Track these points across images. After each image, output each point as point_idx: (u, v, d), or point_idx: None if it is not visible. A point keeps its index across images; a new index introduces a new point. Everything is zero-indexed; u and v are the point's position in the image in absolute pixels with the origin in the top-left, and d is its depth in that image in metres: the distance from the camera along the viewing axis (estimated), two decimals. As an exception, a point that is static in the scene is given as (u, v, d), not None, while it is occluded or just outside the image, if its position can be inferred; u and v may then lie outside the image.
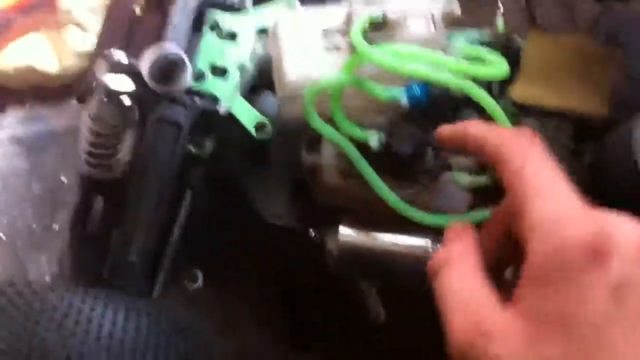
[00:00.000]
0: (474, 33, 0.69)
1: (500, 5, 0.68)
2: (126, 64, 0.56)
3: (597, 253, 0.35)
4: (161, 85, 0.58)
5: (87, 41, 0.77)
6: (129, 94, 0.57)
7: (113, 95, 0.56)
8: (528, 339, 0.35)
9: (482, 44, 0.67)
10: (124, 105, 0.57)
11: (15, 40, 0.76)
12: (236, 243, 0.76)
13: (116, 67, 0.56)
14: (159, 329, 0.52)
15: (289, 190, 0.69)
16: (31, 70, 0.76)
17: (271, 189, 0.69)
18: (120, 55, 0.56)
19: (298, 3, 0.66)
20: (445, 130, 0.48)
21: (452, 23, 0.60)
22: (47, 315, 0.49)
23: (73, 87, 0.78)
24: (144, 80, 0.57)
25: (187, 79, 0.59)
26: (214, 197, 0.74)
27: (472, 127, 0.46)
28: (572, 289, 0.35)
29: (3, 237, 0.71)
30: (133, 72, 0.57)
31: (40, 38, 0.77)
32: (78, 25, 0.77)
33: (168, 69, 0.58)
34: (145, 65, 0.58)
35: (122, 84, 0.56)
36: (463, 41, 0.67)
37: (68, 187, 0.74)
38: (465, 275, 0.42)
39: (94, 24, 0.77)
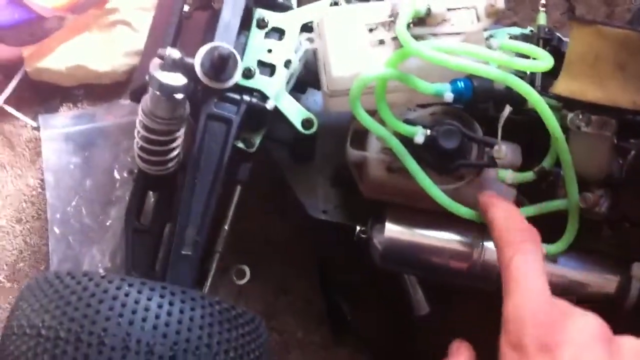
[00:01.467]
0: (516, 29, 0.70)
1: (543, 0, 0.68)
2: (179, 60, 0.58)
3: (548, 346, 0.44)
4: (213, 81, 0.60)
5: (137, 40, 0.79)
6: (182, 90, 0.58)
7: (166, 91, 0.57)
8: None
9: (525, 39, 0.67)
10: (177, 101, 0.59)
11: (67, 40, 0.79)
12: (281, 238, 0.78)
13: (169, 64, 0.58)
14: (213, 320, 0.53)
15: (333, 185, 0.70)
16: (82, 69, 0.79)
17: (316, 185, 0.70)
18: (173, 52, 0.57)
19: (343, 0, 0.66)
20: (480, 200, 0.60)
21: (495, 16, 0.60)
22: (106, 305, 0.51)
23: (125, 85, 0.80)
24: (196, 77, 0.59)
25: (238, 74, 0.61)
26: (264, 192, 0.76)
27: (490, 211, 0.57)
28: None
29: (57, 232, 0.74)
30: (185, 69, 0.58)
31: (91, 37, 0.80)
32: (127, 24, 0.79)
33: (219, 64, 0.60)
34: (197, 61, 0.60)
35: (175, 80, 0.58)
36: (506, 36, 0.68)
37: (120, 183, 0.76)
38: None
39: (143, 23, 0.79)
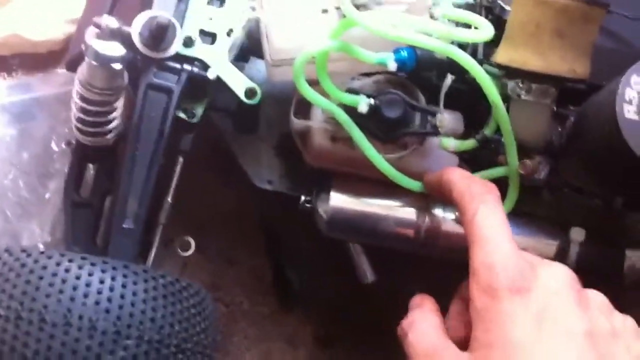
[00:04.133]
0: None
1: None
2: (116, 29, 0.56)
3: (519, 288, 0.46)
4: (151, 50, 0.58)
5: (73, 7, 0.76)
6: (120, 60, 0.57)
7: (103, 61, 0.56)
8: None
9: (469, 7, 0.67)
10: (115, 71, 0.57)
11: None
12: (226, 209, 0.77)
13: (106, 33, 0.56)
14: (156, 294, 0.53)
15: (278, 154, 0.70)
16: (16, 38, 0.76)
17: (261, 154, 0.70)
18: (110, 21, 0.56)
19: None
20: (428, 177, 0.61)
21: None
22: (46, 281, 0.50)
23: (63, 55, 0.78)
24: (135, 46, 0.58)
25: (178, 44, 0.59)
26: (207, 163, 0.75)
27: (446, 174, 0.57)
28: (502, 319, 0.45)
29: (-6, 206, 0.72)
30: (123, 38, 0.57)
31: (25, 4, 0.76)
32: (63, -9, 0.77)
33: (158, 34, 0.58)
34: (135, 30, 0.58)
35: (112, 49, 0.56)
36: (449, 4, 0.68)
37: (58, 155, 0.74)
38: (427, 333, 0.51)
39: (79, -9, 0.76)
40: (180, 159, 0.65)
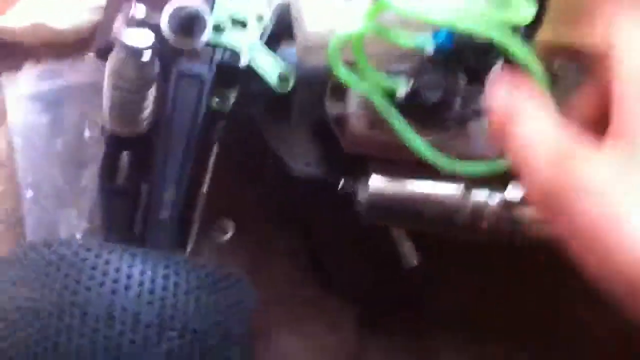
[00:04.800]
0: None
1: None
2: (145, 18, 0.55)
3: None
4: (181, 40, 0.57)
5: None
6: (149, 49, 0.56)
7: (132, 52, 0.55)
8: (618, 169, 0.35)
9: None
10: (144, 62, 0.56)
11: (23, -2, 0.75)
12: (264, 194, 0.77)
13: (135, 22, 0.55)
14: (199, 284, 0.53)
15: (313, 140, 0.69)
16: (43, 27, 0.75)
17: (297, 140, 0.68)
18: (137, 11, 0.55)
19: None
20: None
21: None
22: (87, 274, 0.50)
23: (90, 42, 0.77)
24: (164, 36, 0.57)
25: (208, 32, 0.58)
26: (241, 150, 0.74)
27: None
28: None
29: (30, 195, 0.72)
30: (152, 26, 0.56)
31: (47, -7, 0.76)
32: (85, -22, 0.76)
33: (187, 22, 0.57)
34: (164, 19, 0.57)
35: (141, 38, 0.55)
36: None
37: (92, 143, 0.74)
38: (545, 126, 0.39)
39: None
40: (215, 149, 0.64)
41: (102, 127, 0.71)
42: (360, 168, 0.66)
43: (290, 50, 0.67)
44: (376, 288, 0.75)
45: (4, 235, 0.73)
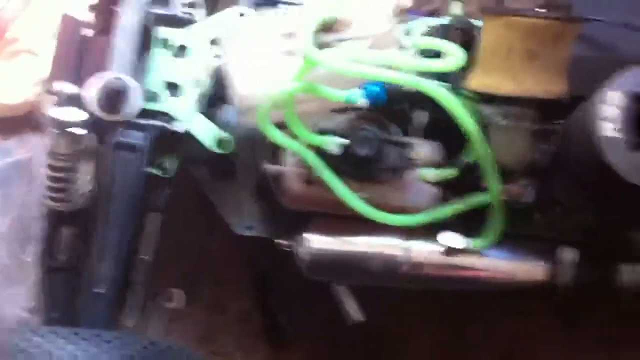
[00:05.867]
0: (435, 20, 0.68)
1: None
2: (74, 96, 0.55)
3: None
4: (110, 114, 0.57)
5: (44, 67, 0.76)
6: (82, 124, 0.56)
7: (64, 128, 0.55)
8: None
9: (444, 29, 0.66)
10: (78, 136, 0.56)
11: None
12: (211, 256, 0.76)
13: (64, 99, 0.55)
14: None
15: (258, 199, 0.68)
16: (-6, 104, 0.75)
17: (241, 200, 0.68)
18: (66, 87, 0.55)
19: (251, 9, 0.64)
20: None
21: (403, 14, 0.59)
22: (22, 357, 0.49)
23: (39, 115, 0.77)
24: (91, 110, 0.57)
25: (136, 103, 0.58)
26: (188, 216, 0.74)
27: None
28: None
29: (-23, 274, 0.71)
30: (82, 103, 0.56)
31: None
32: (31, 52, 0.76)
33: (115, 97, 0.57)
34: (89, 95, 0.57)
35: (72, 115, 0.55)
36: (424, 28, 0.66)
37: (37, 219, 0.73)
38: None
39: (48, 49, 0.75)
40: (158, 215, 0.64)
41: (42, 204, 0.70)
42: (301, 225, 0.65)
43: (232, 111, 0.68)
44: (327, 343, 0.75)
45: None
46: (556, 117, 0.62)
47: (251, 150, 0.66)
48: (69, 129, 0.55)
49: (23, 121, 0.77)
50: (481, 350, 0.76)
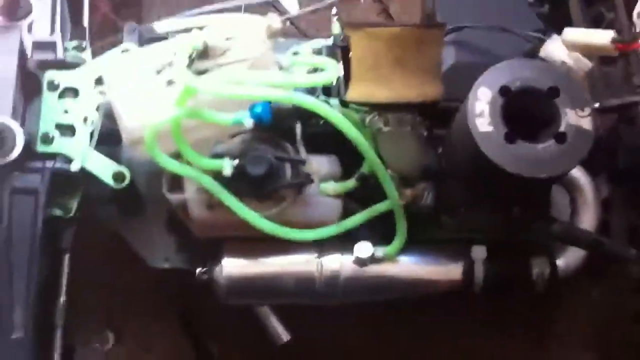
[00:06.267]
0: (319, 42, 0.69)
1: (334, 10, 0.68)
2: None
3: None
4: (-7, 157, 0.57)
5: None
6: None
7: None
8: None
9: (329, 49, 0.67)
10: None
11: None
12: (135, 293, 0.76)
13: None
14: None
15: (170, 231, 0.69)
16: None
17: (153, 234, 0.68)
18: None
19: (134, 45, 0.65)
20: None
21: (277, 36, 0.61)
22: None
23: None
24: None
25: (19, 147, 0.58)
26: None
27: None
28: None
29: None
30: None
31: None
32: None
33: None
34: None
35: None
36: (309, 49, 0.68)
37: None
38: None
39: None
40: (67, 257, 0.63)
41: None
42: (215, 252, 0.66)
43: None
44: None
45: None
46: (446, 122, 0.64)
47: (158, 181, 0.67)
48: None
49: None
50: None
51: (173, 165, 0.59)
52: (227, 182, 0.60)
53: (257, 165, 0.60)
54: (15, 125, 0.58)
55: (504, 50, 0.62)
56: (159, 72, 0.60)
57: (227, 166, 0.59)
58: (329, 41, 0.68)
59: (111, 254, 0.74)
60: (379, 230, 0.66)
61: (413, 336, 0.76)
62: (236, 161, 0.60)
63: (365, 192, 0.65)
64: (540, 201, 0.64)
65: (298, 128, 0.59)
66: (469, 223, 0.67)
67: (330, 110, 0.58)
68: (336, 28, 0.67)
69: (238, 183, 0.60)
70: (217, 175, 0.60)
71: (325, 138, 0.63)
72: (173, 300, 0.76)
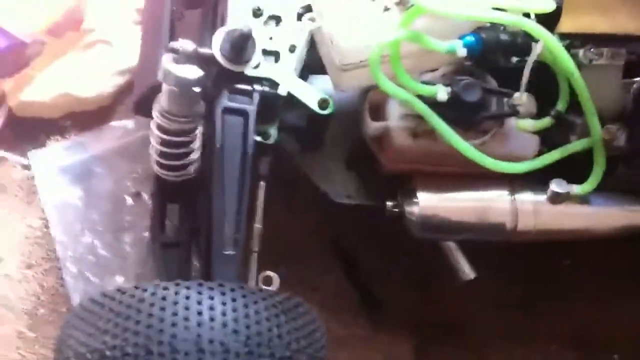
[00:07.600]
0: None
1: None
2: (193, 52, 0.56)
3: None
4: (234, 64, 0.58)
5: (119, 58, 0.76)
6: (198, 83, 0.56)
7: (183, 84, 0.55)
8: None
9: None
10: (193, 96, 0.57)
11: (47, 67, 0.75)
12: (297, 235, 0.76)
13: (183, 56, 0.56)
14: (277, 311, 0.51)
15: (349, 168, 0.69)
16: (67, 97, 0.75)
17: (332, 171, 0.69)
18: (186, 44, 0.56)
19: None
20: None
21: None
22: (170, 310, 0.48)
23: (112, 108, 0.77)
24: (213, 66, 0.57)
25: (258, 55, 0.59)
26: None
27: None
28: None
29: (73, 270, 0.70)
30: (200, 60, 0.56)
31: (72, 61, 0.76)
32: (107, 42, 0.76)
33: (240, 45, 0.58)
34: (216, 45, 0.58)
35: (190, 72, 0.55)
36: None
37: (127, 208, 0.73)
38: None
39: (123, 39, 0.76)
40: (262, 184, 0.63)
41: (137, 192, 0.70)
42: (403, 188, 0.66)
43: (317, 81, 0.68)
44: (422, 312, 0.74)
45: (52, 316, 0.70)
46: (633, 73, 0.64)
47: (340, 119, 0.67)
48: (188, 86, 0.55)
49: (96, 115, 0.78)
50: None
51: (392, 88, 0.59)
52: (434, 110, 0.61)
53: (471, 92, 0.60)
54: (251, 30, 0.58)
55: None
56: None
57: (442, 91, 0.60)
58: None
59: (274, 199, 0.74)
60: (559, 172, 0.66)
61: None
62: (449, 88, 0.60)
63: (552, 135, 0.65)
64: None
65: (532, 57, 0.59)
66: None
67: (552, 38, 0.58)
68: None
69: (447, 111, 0.61)
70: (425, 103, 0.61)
71: (518, 75, 0.64)
72: (333, 247, 0.75)
